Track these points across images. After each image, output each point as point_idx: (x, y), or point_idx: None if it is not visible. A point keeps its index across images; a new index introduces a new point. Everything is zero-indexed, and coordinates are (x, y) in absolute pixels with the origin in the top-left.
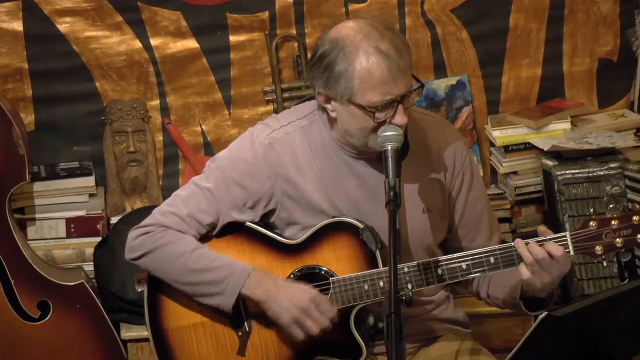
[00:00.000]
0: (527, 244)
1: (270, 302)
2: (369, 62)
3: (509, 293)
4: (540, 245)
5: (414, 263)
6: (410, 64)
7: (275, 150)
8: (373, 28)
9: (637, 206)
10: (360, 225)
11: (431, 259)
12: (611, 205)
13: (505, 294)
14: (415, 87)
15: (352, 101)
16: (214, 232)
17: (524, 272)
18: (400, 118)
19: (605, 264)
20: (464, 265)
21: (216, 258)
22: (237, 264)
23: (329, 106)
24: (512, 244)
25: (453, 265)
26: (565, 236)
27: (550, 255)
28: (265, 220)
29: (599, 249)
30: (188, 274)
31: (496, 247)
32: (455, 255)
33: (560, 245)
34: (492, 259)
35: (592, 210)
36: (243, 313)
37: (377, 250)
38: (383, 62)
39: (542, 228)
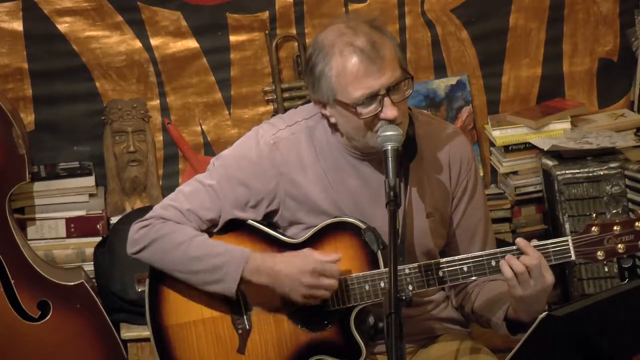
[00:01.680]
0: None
1: (276, 285)
2: (342, 59)
3: (493, 312)
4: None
5: (415, 265)
6: (393, 57)
7: (280, 150)
8: (348, 27)
9: None
10: (363, 226)
11: (432, 261)
12: (614, 211)
13: (490, 312)
14: (402, 79)
15: (336, 100)
16: (216, 229)
17: (512, 279)
18: (389, 111)
19: (605, 262)
20: (465, 267)
21: (216, 245)
22: (236, 248)
23: (326, 112)
24: (514, 247)
25: (454, 268)
26: (567, 241)
27: (539, 261)
28: (267, 219)
29: (600, 254)
30: (189, 263)
31: (498, 250)
32: (456, 257)
33: (562, 249)
34: (493, 262)
35: (594, 215)
36: (243, 310)
37: (379, 251)
38: (356, 56)
39: (519, 240)
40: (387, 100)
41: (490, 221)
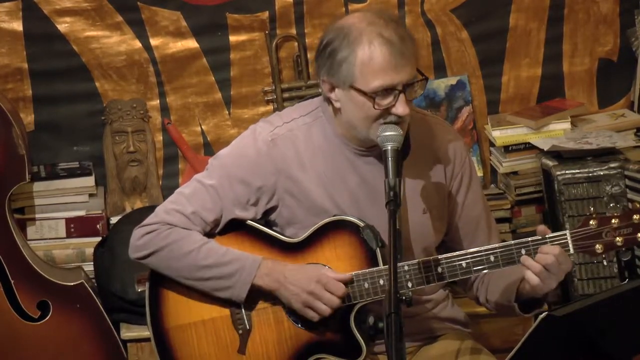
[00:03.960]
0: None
1: (281, 290)
2: (370, 48)
3: (504, 296)
4: (542, 252)
5: (414, 261)
6: (414, 55)
7: (278, 146)
8: (378, 17)
9: (638, 205)
10: (361, 224)
11: (431, 258)
12: (611, 205)
13: (501, 297)
14: (418, 80)
15: (353, 87)
16: (217, 230)
17: (533, 278)
18: (402, 108)
19: (605, 263)
20: (464, 263)
21: (226, 252)
22: (248, 255)
23: (332, 95)
24: (512, 242)
25: (453, 264)
26: (565, 235)
27: (555, 258)
28: (265, 217)
29: (599, 247)
30: (198, 270)
31: (496, 245)
32: (455, 253)
33: (560, 243)
34: (492, 257)
35: (592, 209)
36: (243, 310)
37: (378, 249)
38: (385, 47)
39: (541, 227)
40: (402, 96)
41: (491, 214)
